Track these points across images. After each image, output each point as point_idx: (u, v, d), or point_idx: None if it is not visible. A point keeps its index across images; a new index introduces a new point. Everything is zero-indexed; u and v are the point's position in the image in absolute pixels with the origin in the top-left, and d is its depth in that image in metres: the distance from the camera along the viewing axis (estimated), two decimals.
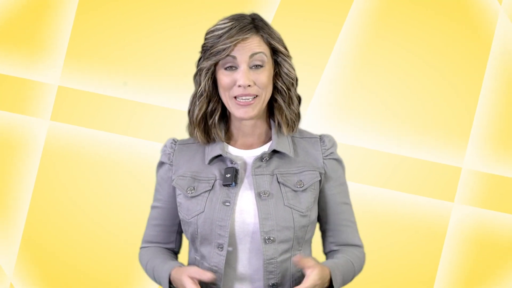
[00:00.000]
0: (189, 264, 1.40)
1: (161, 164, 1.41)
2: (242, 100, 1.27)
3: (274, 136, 1.34)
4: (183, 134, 1.41)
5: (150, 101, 2.37)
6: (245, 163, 1.33)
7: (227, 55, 1.26)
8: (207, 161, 1.34)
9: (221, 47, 1.26)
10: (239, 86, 1.26)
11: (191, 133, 1.38)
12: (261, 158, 1.32)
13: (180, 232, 1.44)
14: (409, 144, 2.36)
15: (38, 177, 2.37)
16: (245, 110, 1.28)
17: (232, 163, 1.32)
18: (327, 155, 1.36)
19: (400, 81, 2.37)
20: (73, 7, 2.36)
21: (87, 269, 2.38)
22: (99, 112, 2.38)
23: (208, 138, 1.35)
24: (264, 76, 1.28)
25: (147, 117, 2.37)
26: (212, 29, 1.30)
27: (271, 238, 1.26)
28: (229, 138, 1.38)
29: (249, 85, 1.26)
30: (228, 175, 1.30)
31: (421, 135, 2.37)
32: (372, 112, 2.37)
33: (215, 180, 1.32)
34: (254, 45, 1.27)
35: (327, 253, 1.42)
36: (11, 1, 2.38)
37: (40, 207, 2.38)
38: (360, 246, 1.41)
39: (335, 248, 1.40)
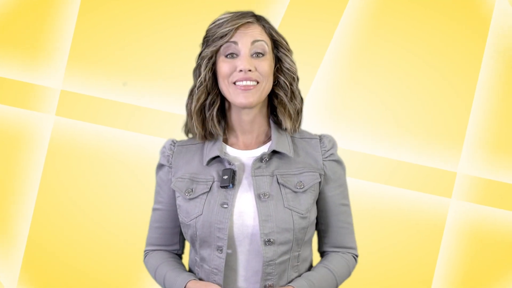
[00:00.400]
0: (190, 265, 1.40)
1: (160, 166, 1.40)
2: (242, 84, 1.25)
3: (273, 136, 1.32)
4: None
5: (154, 104, 2.36)
6: (243, 164, 1.32)
7: (228, 41, 1.25)
8: (205, 163, 1.32)
9: (222, 30, 1.25)
10: (240, 71, 1.25)
11: (187, 130, 1.37)
12: (260, 158, 1.30)
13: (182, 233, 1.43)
14: (404, 148, 2.37)
15: (43, 176, 2.37)
16: (245, 95, 1.26)
17: (230, 164, 1.30)
18: (327, 157, 1.35)
19: (391, 85, 2.36)
20: (74, 11, 2.35)
21: (93, 271, 2.37)
22: (102, 112, 2.39)
23: (206, 132, 1.33)
24: (266, 64, 1.27)
25: (149, 118, 2.38)
26: (213, 21, 1.30)
27: (271, 240, 1.25)
28: (228, 138, 1.36)
29: (249, 70, 1.25)
30: (226, 177, 1.28)
31: (415, 139, 2.37)
32: (363, 116, 2.37)
33: (213, 181, 1.30)
34: (256, 32, 1.27)
35: (321, 253, 1.42)
36: (13, 5, 2.37)
37: (45, 208, 2.38)
38: (352, 249, 1.40)
39: (328, 249, 1.40)
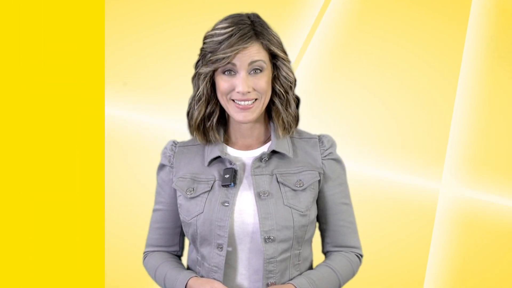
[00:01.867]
0: (190, 265, 1.41)
1: (161, 166, 1.42)
2: (241, 103, 1.28)
3: (273, 137, 1.35)
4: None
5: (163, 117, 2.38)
6: (244, 164, 1.35)
7: (226, 63, 1.27)
8: (206, 163, 1.35)
9: (221, 55, 1.26)
10: (238, 92, 1.27)
11: (191, 133, 1.39)
12: (260, 158, 1.33)
13: (183, 234, 1.44)
14: (387, 163, 2.39)
15: None
16: (244, 114, 1.29)
17: (231, 164, 1.33)
18: (325, 156, 1.37)
19: (372, 96, 2.39)
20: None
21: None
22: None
23: (207, 139, 1.37)
24: (263, 81, 1.29)
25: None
26: (211, 33, 1.30)
27: (271, 238, 1.27)
28: (228, 139, 1.39)
29: (248, 92, 1.27)
30: (227, 176, 1.31)
31: (397, 153, 2.40)
32: (344, 130, 2.39)
33: (214, 181, 1.33)
34: (254, 52, 1.27)
35: (325, 253, 1.44)
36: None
37: None
38: (355, 248, 1.41)
39: (331, 249, 1.41)
